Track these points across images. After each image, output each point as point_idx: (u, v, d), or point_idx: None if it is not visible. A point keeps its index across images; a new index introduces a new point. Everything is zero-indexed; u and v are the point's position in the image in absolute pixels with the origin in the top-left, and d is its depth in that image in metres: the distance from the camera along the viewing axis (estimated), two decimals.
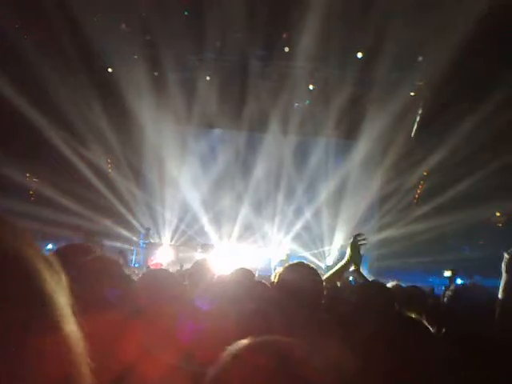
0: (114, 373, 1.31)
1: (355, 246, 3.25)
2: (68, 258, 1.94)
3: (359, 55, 12.28)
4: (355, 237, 3.28)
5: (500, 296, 2.37)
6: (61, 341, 0.52)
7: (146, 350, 1.29)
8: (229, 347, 0.82)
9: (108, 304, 1.79)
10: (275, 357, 0.76)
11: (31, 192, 13.70)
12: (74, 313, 0.56)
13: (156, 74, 12.80)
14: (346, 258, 3.25)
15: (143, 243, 12.51)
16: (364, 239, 3.27)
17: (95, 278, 1.90)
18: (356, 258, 3.25)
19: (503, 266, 2.54)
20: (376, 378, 1.72)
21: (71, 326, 0.54)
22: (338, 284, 3.33)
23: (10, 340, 0.47)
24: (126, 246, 12.00)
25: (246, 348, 0.79)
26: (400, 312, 2.72)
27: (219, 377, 0.76)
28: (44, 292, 0.52)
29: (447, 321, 2.29)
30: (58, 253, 2.16)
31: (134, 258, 12.09)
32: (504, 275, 2.53)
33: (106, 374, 1.26)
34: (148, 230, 12.97)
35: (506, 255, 2.51)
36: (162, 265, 10.17)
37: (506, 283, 2.49)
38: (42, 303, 0.51)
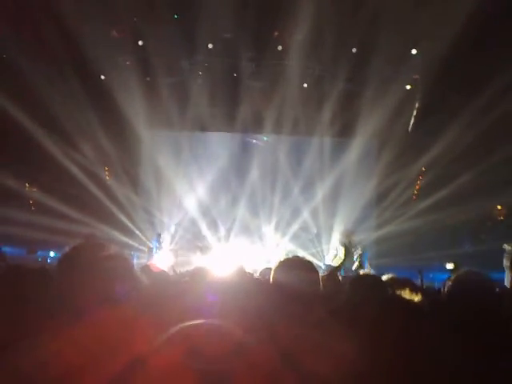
0: (120, 368, 1.30)
1: (347, 243, 3.34)
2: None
3: (354, 50, 12.18)
4: (344, 232, 3.38)
5: None
6: None
7: (152, 347, 1.27)
8: None
9: (117, 300, 1.79)
10: None
11: (31, 201, 13.76)
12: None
13: (148, 79, 12.78)
14: (342, 255, 3.34)
15: (156, 248, 12.47)
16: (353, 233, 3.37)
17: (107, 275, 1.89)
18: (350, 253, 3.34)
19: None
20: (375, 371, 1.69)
21: None
22: (340, 278, 3.33)
23: None
24: (127, 251, 11.98)
25: None
26: (392, 295, 2.66)
27: None
28: None
29: (449, 306, 2.25)
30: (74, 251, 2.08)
31: (135, 262, 12.04)
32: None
33: (111, 368, 1.24)
34: (159, 235, 12.94)
35: (506, 246, 2.48)
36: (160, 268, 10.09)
37: None
38: None
